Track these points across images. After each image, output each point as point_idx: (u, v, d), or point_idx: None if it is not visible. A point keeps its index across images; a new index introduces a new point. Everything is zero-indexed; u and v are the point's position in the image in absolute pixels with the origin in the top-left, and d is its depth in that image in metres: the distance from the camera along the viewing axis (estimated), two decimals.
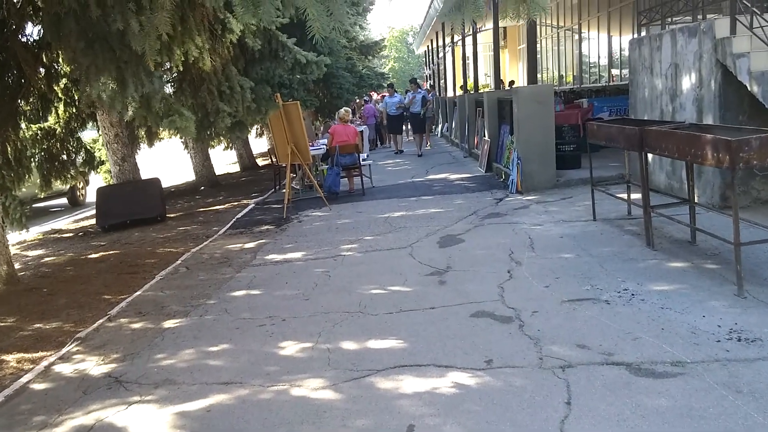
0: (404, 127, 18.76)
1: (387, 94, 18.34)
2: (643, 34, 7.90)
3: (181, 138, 8.11)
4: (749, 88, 5.69)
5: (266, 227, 8.82)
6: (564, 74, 24.25)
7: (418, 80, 19.91)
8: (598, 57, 20.57)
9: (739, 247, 4.23)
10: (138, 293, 6.19)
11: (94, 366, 4.42)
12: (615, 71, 19.50)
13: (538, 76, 28.78)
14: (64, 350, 4.83)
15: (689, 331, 3.80)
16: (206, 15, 6.47)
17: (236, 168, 20.39)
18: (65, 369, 4.45)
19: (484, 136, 12.20)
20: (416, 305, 4.77)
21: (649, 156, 7.76)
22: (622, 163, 9.61)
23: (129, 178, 11.09)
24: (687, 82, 6.73)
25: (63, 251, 9.23)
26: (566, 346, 3.78)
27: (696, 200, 5.43)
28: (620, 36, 18.19)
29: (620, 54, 18.57)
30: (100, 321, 5.42)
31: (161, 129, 6.27)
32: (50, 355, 4.81)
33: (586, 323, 4.08)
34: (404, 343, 4.10)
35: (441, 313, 4.55)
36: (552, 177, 8.84)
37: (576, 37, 22.73)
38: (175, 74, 7.27)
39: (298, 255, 6.84)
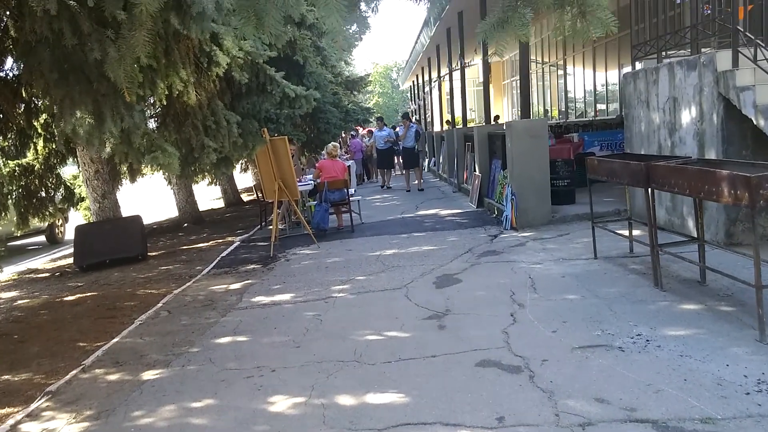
0: (395, 161, 18.41)
1: (375, 129, 18.12)
2: (639, 67, 7.77)
3: (164, 174, 7.78)
4: (755, 122, 5.53)
5: (252, 266, 8.47)
6: (549, 109, 24.35)
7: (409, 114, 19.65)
8: (584, 92, 20.66)
9: (761, 290, 3.98)
10: (115, 340, 5.79)
11: (65, 426, 4.03)
12: (601, 106, 19.57)
13: (520, 111, 29.00)
14: (32, 406, 4.42)
15: (714, 383, 3.51)
16: (191, 47, 6.23)
17: (221, 204, 20.05)
18: (32, 429, 4.04)
19: (475, 170, 12.01)
20: (416, 353, 4.45)
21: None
22: (616, 198, 9.47)
23: (109, 216, 10.72)
24: (687, 115, 6.58)
25: (38, 293, 8.79)
26: (583, 400, 3.47)
27: (705, 238, 5.20)
28: (606, 71, 18.28)
29: (606, 89, 18.65)
30: (74, 372, 5.01)
31: (144, 165, 5.94)
32: (17, 411, 4.40)
33: (602, 373, 3.78)
34: (406, 398, 3.76)
35: (443, 363, 4.22)
36: (547, 213, 8.62)
37: (560, 72, 22.90)
38: (159, 109, 7.01)
39: (286, 297, 6.50)
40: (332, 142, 11.09)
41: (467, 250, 7.70)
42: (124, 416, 4.02)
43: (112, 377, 4.83)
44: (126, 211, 11.82)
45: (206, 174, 9.11)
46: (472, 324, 4.93)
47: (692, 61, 6.43)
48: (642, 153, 7.34)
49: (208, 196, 22.99)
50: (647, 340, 4.17)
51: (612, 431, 3.12)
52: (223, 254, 9.70)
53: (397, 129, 17.20)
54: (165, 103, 6.10)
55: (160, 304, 6.93)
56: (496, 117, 30.68)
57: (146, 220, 17.61)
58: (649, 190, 5.11)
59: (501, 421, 3.35)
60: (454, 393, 3.74)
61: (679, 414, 3.21)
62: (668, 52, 7.81)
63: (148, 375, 4.73)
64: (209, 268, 8.78)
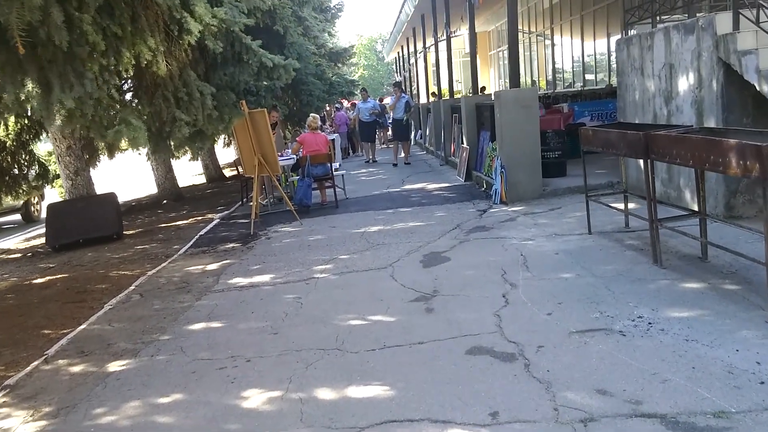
0: (377, 135, 17.70)
1: (359, 101, 17.48)
2: (632, 33, 7.41)
3: (133, 148, 7.34)
4: (758, 88, 5.21)
5: (231, 245, 8.11)
6: (537, 80, 23.94)
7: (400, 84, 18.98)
8: (572, 62, 20.27)
9: None
10: (83, 327, 5.44)
11: (20, 424, 3.69)
12: (589, 76, 19.21)
13: (506, 81, 28.59)
14: None
15: (725, 371, 3.23)
16: (161, 14, 5.78)
17: (202, 179, 19.58)
18: None
19: (462, 143, 11.66)
20: (402, 339, 4.14)
21: (641, 163, 7.28)
22: (609, 169, 9.16)
23: (83, 194, 10.28)
24: (684, 83, 6.25)
25: (7, 275, 8.40)
26: (584, 391, 3.18)
27: (706, 211, 4.90)
28: (594, 40, 17.89)
29: (595, 58, 18.27)
30: (35, 363, 4.67)
31: (106, 140, 5.52)
32: None
33: (603, 361, 3.49)
34: (391, 391, 3.46)
35: (432, 350, 3.92)
36: (538, 186, 8.30)
37: (548, 42, 22.46)
38: (126, 80, 6.53)
39: (266, 278, 6.16)
40: (312, 114, 10.63)
41: (455, 226, 7.38)
42: (85, 414, 3.69)
43: (76, 369, 4.49)
44: (105, 188, 11.37)
45: (180, 149, 8.65)
46: (462, 306, 4.62)
47: (690, 24, 6.08)
48: (636, 122, 7.01)
49: (189, 171, 22.47)
50: (649, 323, 3.88)
51: (617, 428, 2.84)
52: (202, 232, 9.32)
53: (387, 100, 16.49)
54: (132, 73, 5.65)
55: (132, 287, 6.57)
56: (482, 88, 30.24)
57: (125, 197, 17.24)
58: (649, 161, 4.79)
59: (495, 417, 3.05)
60: (443, 385, 3.44)
61: (690, 407, 2.93)
62: (662, 17, 7.46)
63: (114, 366, 4.40)
64: (186, 247, 8.41)
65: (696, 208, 6.11)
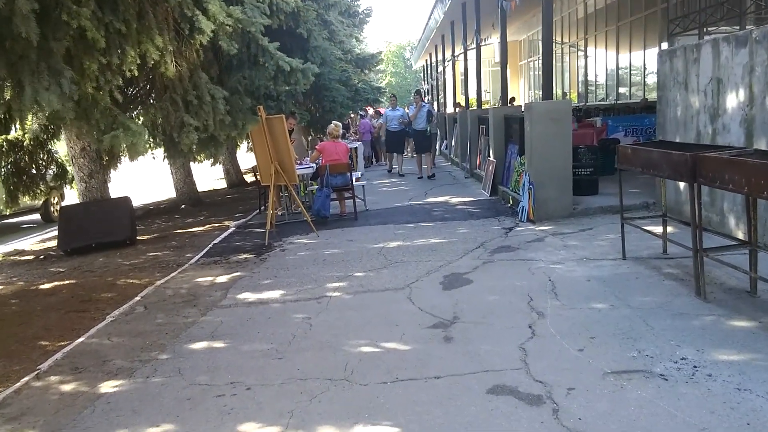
0: (406, 145, 16.68)
1: (386, 108, 16.39)
2: (676, 44, 6.96)
3: (128, 154, 7.01)
4: None
5: (244, 256, 7.80)
6: (567, 92, 23.43)
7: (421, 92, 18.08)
8: (606, 74, 19.75)
9: None
10: (81, 340, 5.15)
11: None
12: (622, 89, 18.69)
13: (538, 93, 28.09)
14: None
15: None
16: (170, 11, 5.50)
17: (223, 184, 19.40)
18: None
19: (489, 156, 11.25)
20: (417, 372, 3.76)
21: (681, 185, 6.82)
22: (643, 189, 8.69)
23: (96, 197, 10.06)
24: (733, 99, 5.79)
25: (16, 278, 8.18)
26: None
27: (758, 241, 4.45)
28: (630, 52, 17.39)
29: (630, 71, 17.76)
30: (26, 379, 4.38)
31: (101, 145, 5.23)
32: None
33: (642, 410, 3.08)
34: None
35: (449, 387, 3.53)
36: (568, 205, 7.87)
37: (580, 53, 21.96)
38: (131, 80, 6.24)
39: (276, 294, 5.82)
40: (333, 122, 10.29)
41: (479, 245, 6.99)
42: None
43: (67, 387, 4.18)
44: (125, 191, 11.18)
45: (190, 154, 8.36)
46: (484, 336, 4.23)
47: (742, 36, 5.63)
48: (677, 141, 6.57)
49: (212, 175, 22.34)
50: (695, 367, 3.45)
51: None
52: (216, 241, 9.04)
53: (408, 109, 15.77)
54: (137, 74, 5.38)
55: (137, 298, 6.28)
56: (512, 99, 29.80)
57: (144, 201, 17.11)
58: (695, 185, 4.36)
59: None
60: (461, 430, 3.05)
61: None
62: (708, 28, 7.01)
63: (107, 387, 4.09)
64: (198, 256, 8.12)
65: (742, 236, 5.68)
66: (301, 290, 5.85)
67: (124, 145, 5.01)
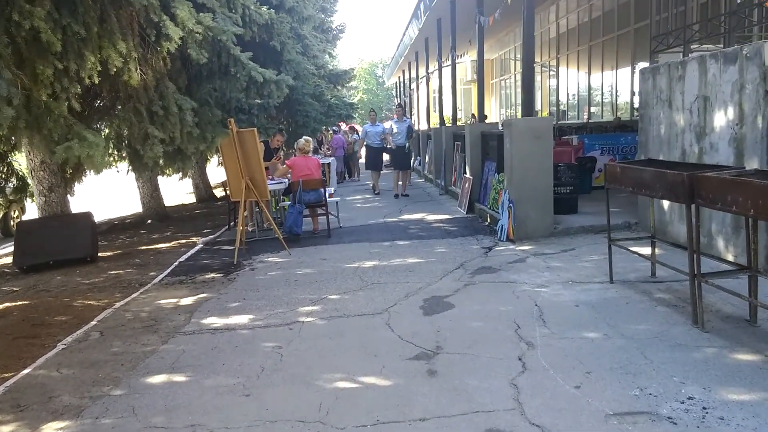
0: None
1: (368, 122, 15.19)
2: (659, 61, 6.80)
3: (87, 166, 6.52)
4: None
5: (211, 275, 7.37)
6: (540, 110, 23.47)
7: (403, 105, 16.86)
8: (578, 93, 19.79)
9: None
10: (27, 371, 4.68)
11: None
12: (594, 108, 18.74)
13: (509, 111, 28.19)
14: None
15: None
16: (136, 16, 5.12)
17: (192, 198, 18.85)
18: None
19: (465, 173, 11.01)
20: (400, 413, 3.40)
21: (665, 204, 6.63)
22: (623, 207, 8.52)
23: (56, 212, 9.53)
24: (721, 118, 5.61)
25: None
26: None
27: (758, 267, 4.22)
28: (602, 72, 17.43)
29: (601, 90, 17.80)
30: None
31: (54, 156, 4.80)
32: None
33: None
34: None
35: (436, 431, 3.18)
36: (549, 224, 7.63)
37: (552, 72, 22.03)
38: (90, 88, 5.81)
39: (244, 319, 5.42)
40: (304, 137, 9.91)
41: (459, 265, 6.68)
42: None
43: (5, 429, 3.73)
44: (89, 206, 10.64)
45: (156, 168, 7.90)
46: (471, 370, 3.90)
47: (731, 53, 5.46)
48: (661, 159, 6.37)
49: (180, 190, 21.74)
50: (704, 408, 3.16)
51: None
52: (182, 258, 8.58)
53: (387, 124, 14.97)
54: (96, 81, 4.97)
55: (94, 322, 5.82)
56: (484, 117, 29.75)
57: (109, 215, 16.50)
58: (693, 207, 4.12)
59: None
60: None
61: None
62: (692, 46, 6.87)
63: (49, 430, 3.64)
64: (163, 275, 7.67)
65: (731, 259, 5.47)
66: (272, 315, 5.46)
67: (80, 158, 4.58)
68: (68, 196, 10.65)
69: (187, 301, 6.27)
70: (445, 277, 6.26)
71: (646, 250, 5.74)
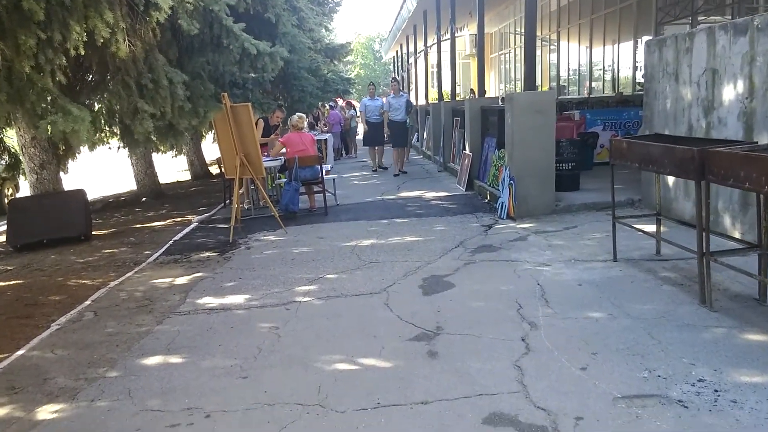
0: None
1: (367, 96, 14.68)
2: (667, 34, 6.61)
3: (69, 140, 6.30)
4: None
5: (207, 254, 7.25)
6: (540, 85, 23.21)
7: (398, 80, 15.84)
8: (579, 67, 19.55)
9: None
10: (21, 352, 4.57)
11: None
12: (595, 83, 18.52)
13: (509, 86, 27.88)
14: None
15: None
16: None
17: (187, 176, 18.66)
18: None
19: (464, 149, 10.85)
20: (401, 396, 3.31)
21: (670, 180, 6.50)
22: (627, 184, 8.38)
23: (49, 189, 9.37)
24: (730, 91, 5.46)
25: None
26: None
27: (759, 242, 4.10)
28: (603, 46, 17.17)
29: (603, 64, 17.56)
30: None
31: (37, 131, 4.63)
32: None
33: None
34: None
35: (438, 414, 3.09)
36: (551, 201, 7.50)
37: (553, 46, 21.74)
38: (76, 59, 5.57)
39: (240, 299, 5.31)
40: (297, 113, 9.65)
41: (458, 244, 6.57)
42: None
43: (0, 412, 3.63)
44: (83, 184, 10.47)
45: (147, 144, 7.70)
46: (473, 351, 3.80)
47: (741, 24, 5.29)
48: (667, 134, 6.22)
49: (175, 167, 21.52)
50: (716, 391, 3.07)
51: None
52: (177, 237, 8.45)
53: (386, 99, 14.42)
54: (82, 52, 4.78)
55: (88, 302, 5.71)
56: (484, 92, 29.41)
57: (104, 192, 16.32)
58: (703, 183, 3.99)
59: None
60: None
61: None
62: (699, 18, 6.68)
63: (45, 412, 3.54)
64: (157, 254, 7.55)
65: (738, 236, 5.36)
66: (268, 294, 5.35)
67: (65, 133, 4.42)
68: (61, 173, 10.50)
69: (182, 280, 6.16)
70: (445, 255, 6.15)
71: (651, 228, 5.63)
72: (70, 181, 11.99)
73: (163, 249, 7.79)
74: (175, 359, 4.13)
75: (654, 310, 4.18)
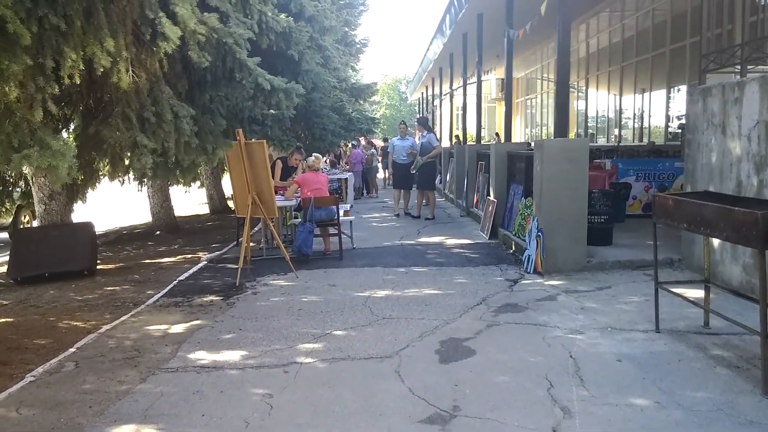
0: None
1: (397, 136, 13.49)
2: (710, 82, 6.12)
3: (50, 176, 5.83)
4: None
5: (210, 298, 6.78)
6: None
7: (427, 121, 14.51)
8: (607, 115, 19.07)
9: None
10: None
11: None
12: (625, 131, 18.00)
13: (534, 131, 27.50)
14: None
15: None
16: (129, 12, 4.57)
17: (206, 209, 18.38)
18: None
19: (489, 195, 10.36)
20: None
21: (715, 241, 5.91)
22: (662, 240, 7.79)
23: (56, 221, 9.03)
24: None
25: None
26: None
27: None
28: (634, 94, 16.69)
29: (634, 112, 17.05)
30: None
31: (10, 165, 4.25)
32: None
33: None
34: None
35: None
36: (582, 256, 6.93)
37: (580, 93, 21.33)
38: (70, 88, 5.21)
39: (236, 356, 4.79)
40: (314, 154, 9.22)
41: (480, 300, 6.01)
42: None
43: None
44: (103, 213, 10.13)
45: (146, 179, 7.30)
46: None
47: None
48: (716, 192, 5.67)
49: (197, 199, 21.30)
50: None
51: None
52: (182, 277, 8.01)
53: (423, 136, 13.22)
54: (78, 81, 4.42)
55: (73, 349, 5.24)
56: (496, 134, 29.07)
57: (122, 223, 16.07)
58: (767, 252, 3.43)
59: None
60: None
61: None
62: (748, 66, 6.19)
63: None
64: (159, 295, 7.10)
65: None
66: (267, 352, 4.83)
67: (40, 168, 4.02)
68: (80, 202, 10.19)
69: (178, 328, 5.67)
70: (465, 314, 5.59)
71: (695, 293, 5.05)
72: (88, 210, 11.73)
73: (166, 290, 7.35)
74: (149, 430, 3.61)
75: (709, 400, 3.57)
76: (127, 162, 5.45)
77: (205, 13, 5.55)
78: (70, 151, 4.06)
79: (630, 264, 6.94)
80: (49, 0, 3.88)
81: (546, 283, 6.59)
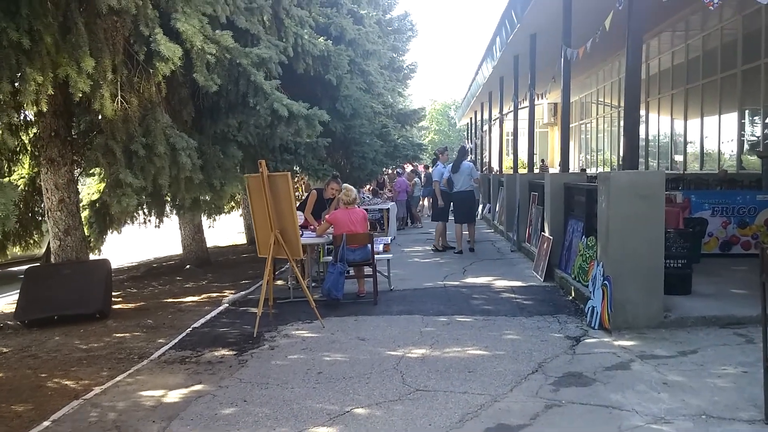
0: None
1: (439, 162, 12.52)
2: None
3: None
4: None
5: (222, 353, 5.94)
6: (619, 158, 21.38)
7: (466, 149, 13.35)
8: (671, 139, 17.71)
9: None
10: None
11: None
12: (680, 156, 16.66)
13: (588, 157, 26.15)
14: None
15: None
16: (120, 28, 3.81)
17: (244, 239, 17.79)
18: None
19: (543, 230, 9.28)
20: None
21: None
22: (746, 287, 6.63)
23: (71, 257, 8.40)
24: None
25: None
26: None
27: None
28: (701, 117, 15.36)
29: (701, 138, 15.69)
30: None
31: None
32: None
33: None
34: None
35: None
36: (658, 310, 5.80)
37: (641, 117, 20.01)
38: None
39: None
40: (345, 185, 8.18)
41: (536, 367, 4.97)
42: None
43: None
44: (138, 244, 9.52)
45: (140, 219, 6.56)
46: None
47: None
48: None
49: (236, 228, 20.76)
50: None
51: None
52: (198, 324, 7.21)
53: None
54: (44, 108, 3.68)
55: (47, 423, 4.44)
56: (542, 160, 27.85)
57: (156, 255, 15.57)
58: None
59: None
60: None
61: None
62: None
63: None
64: (167, 347, 6.32)
65: None
66: None
67: None
68: (115, 232, 9.61)
69: (174, 396, 4.81)
70: (518, 386, 4.56)
71: None
72: (126, 241, 11.12)
73: (177, 340, 6.57)
74: None
75: None
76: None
77: (217, 31, 4.78)
78: (13, 195, 3.30)
79: (716, 321, 5.78)
80: (8, 11, 3.16)
81: (615, 343, 5.48)
